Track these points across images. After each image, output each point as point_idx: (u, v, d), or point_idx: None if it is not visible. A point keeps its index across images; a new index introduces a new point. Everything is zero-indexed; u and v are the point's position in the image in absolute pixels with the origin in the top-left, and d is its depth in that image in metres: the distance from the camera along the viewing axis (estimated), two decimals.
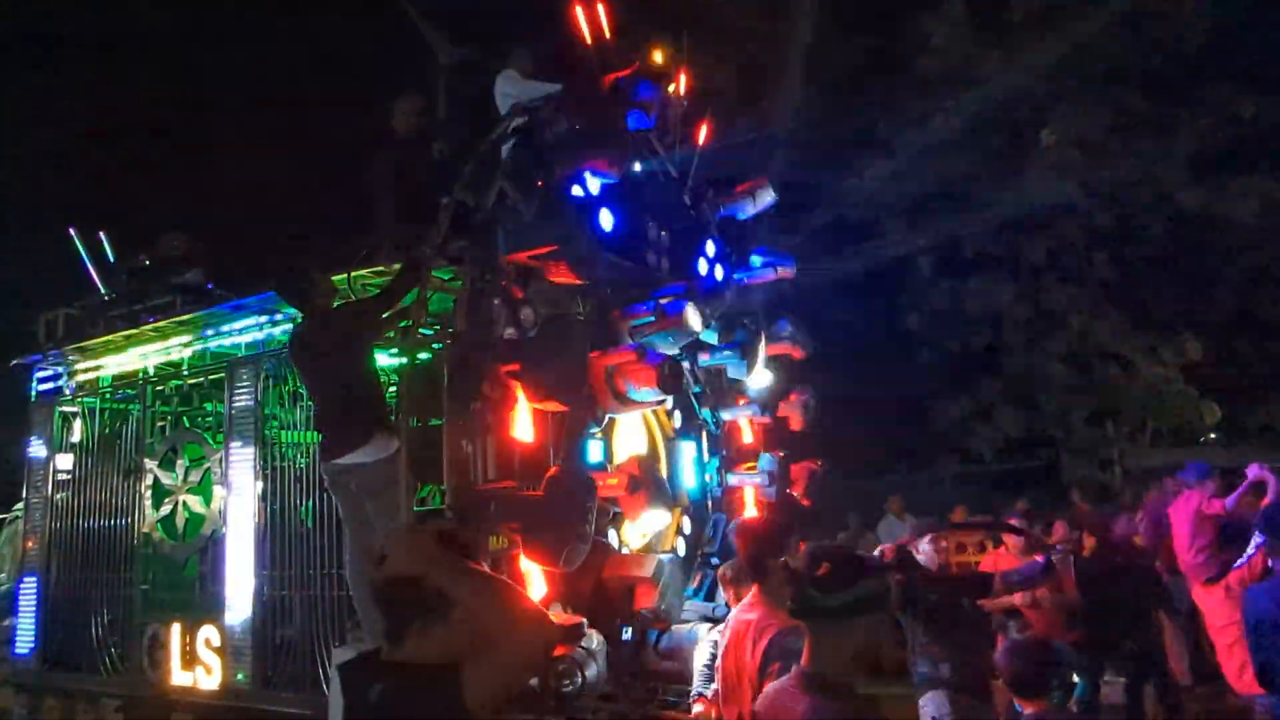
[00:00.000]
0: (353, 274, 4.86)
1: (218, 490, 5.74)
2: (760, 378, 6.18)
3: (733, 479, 6.25)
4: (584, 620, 4.15)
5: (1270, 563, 4.16)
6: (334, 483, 4.51)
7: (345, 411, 4.41)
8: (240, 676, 5.23)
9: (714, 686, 3.94)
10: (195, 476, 5.99)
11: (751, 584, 3.64)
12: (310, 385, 4.77)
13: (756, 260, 6.36)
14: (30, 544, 6.83)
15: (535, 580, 4.35)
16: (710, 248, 5.95)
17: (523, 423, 4.56)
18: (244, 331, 5.79)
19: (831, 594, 2.36)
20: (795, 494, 6.34)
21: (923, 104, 13.50)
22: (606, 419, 5.16)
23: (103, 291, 6.92)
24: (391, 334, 4.73)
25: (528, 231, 4.57)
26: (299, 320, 4.78)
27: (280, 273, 4.70)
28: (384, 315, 4.53)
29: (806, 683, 2.37)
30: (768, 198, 6.14)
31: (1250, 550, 5.81)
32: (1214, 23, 12.17)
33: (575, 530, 4.07)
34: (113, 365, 6.62)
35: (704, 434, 6.29)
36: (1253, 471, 6.46)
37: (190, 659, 5.53)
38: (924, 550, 5.36)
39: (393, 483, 4.32)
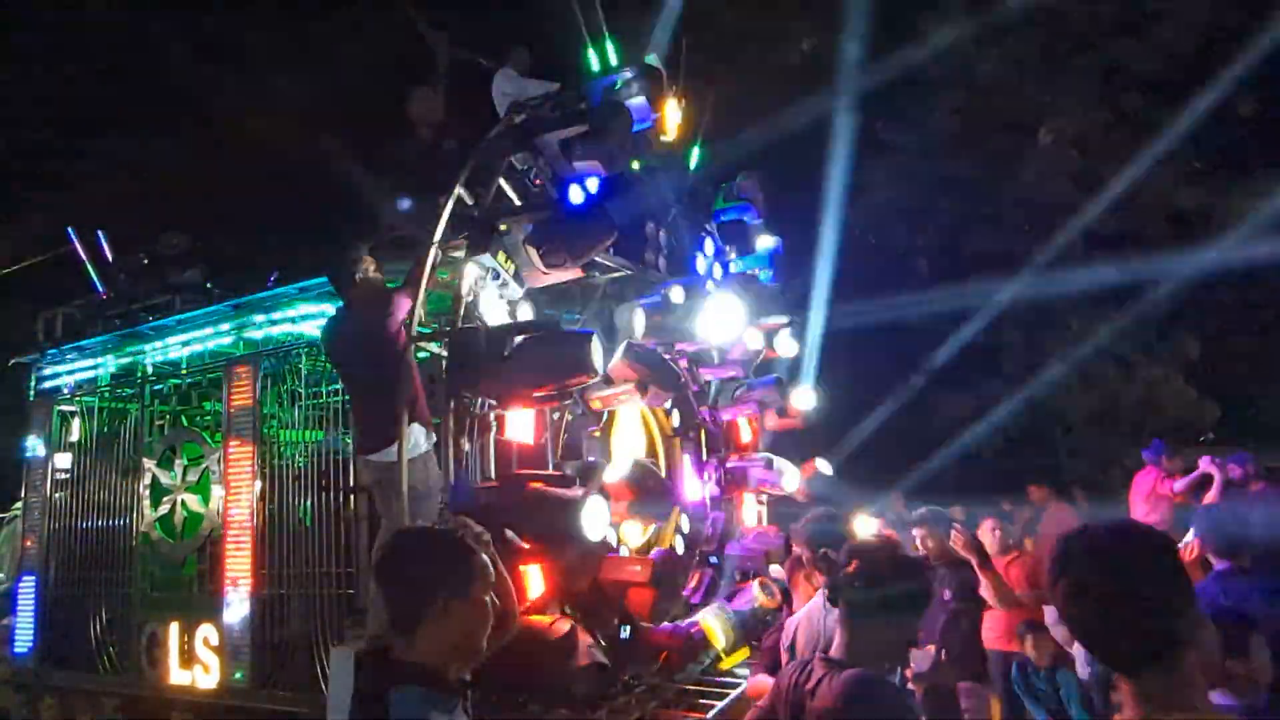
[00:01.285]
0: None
1: (216, 489, 5.74)
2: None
3: (733, 462, 6.27)
4: (571, 625, 4.09)
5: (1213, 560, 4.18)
6: (374, 478, 4.41)
7: (381, 405, 4.29)
8: (238, 675, 5.22)
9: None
10: (194, 475, 5.99)
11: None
12: (346, 378, 4.67)
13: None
14: (29, 543, 6.83)
15: (533, 578, 4.35)
16: (709, 246, 5.96)
17: (521, 421, 4.56)
18: (242, 330, 5.79)
19: (862, 589, 2.40)
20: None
21: (922, 104, 13.51)
22: (605, 416, 5.17)
23: (101, 290, 6.92)
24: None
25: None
26: (337, 311, 4.69)
27: (333, 261, 4.63)
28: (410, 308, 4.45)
29: (829, 665, 2.39)
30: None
31: (1187, 538, 5.92)
32: (1213, 21, 12.17)
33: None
34: (111, 364, 6.63)
35: (703, 432, 6.29)
36: (1203, 464, 6.59)
37: (188, 658, 5.53)
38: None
39: (428, 480, 4.26)
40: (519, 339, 4.29)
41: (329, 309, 5.25)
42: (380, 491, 4.44)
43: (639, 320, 4.82)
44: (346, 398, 4.93)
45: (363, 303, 4.47)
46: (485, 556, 2.06)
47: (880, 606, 2.38)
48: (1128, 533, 1.65)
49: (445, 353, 4.41)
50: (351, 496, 4.93)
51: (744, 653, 5.08)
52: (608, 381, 4.89)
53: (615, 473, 4.65)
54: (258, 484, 5.36)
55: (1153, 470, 6.97)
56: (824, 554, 3.28)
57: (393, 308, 4.36)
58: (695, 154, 5.92)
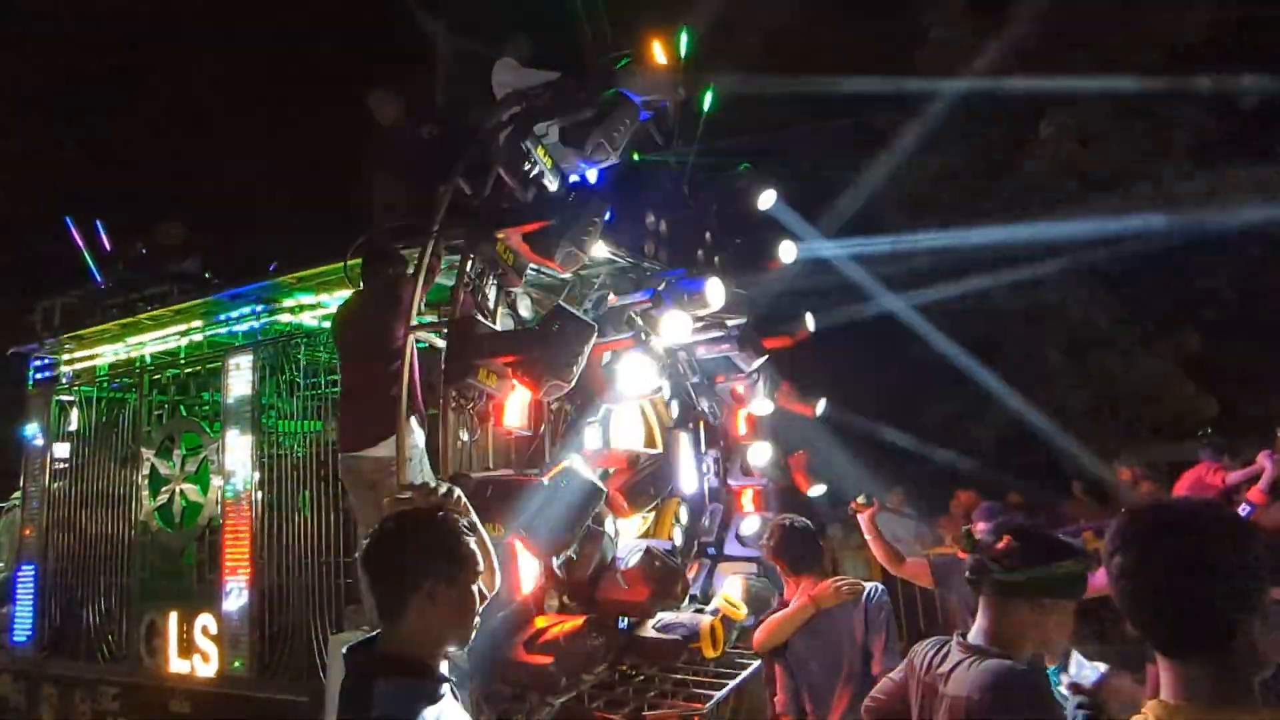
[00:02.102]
0: (349, 263, 4.84)
1: (215, 479, 5.75)
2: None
3: (733, 482, 6.29)
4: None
5: None
6: (370, 477, 4.32)
7: (379, 398, 4.20)
8: (237, 664, 5.24)
9: None
10: (192, 465, 6.00)
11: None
12: (348, 367, 4.59)
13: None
14: (28, 532, 6.84)
15: (532, 569, 4.35)
16: (708, 238, 5.94)
17: (519, 412, 4.55)
18: (241, 320, 5.79)
19: (1013, 570, 2.23)
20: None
21: (921, 97, 13.46)
22: (604, 411, 5.16)
23: (99, 280, 6.91)
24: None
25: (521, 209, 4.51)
26: (354, 295, 4.65)
27: (368, 244, 4.58)
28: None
29: (969, 651, 2.23)
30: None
31: None
32: (1214, 13, 12.13)
33: (575, 531, 4.06)
34: (110, 354, 6.63)
35: (701, 424, 6.29)
36: (1261, 458, 6.65)
37: (187, 647, 5.54)
38: None
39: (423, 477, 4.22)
40: (524, 329, 4.28)
41: (326, 299, 5.26)
42: (366, 493, 4.34)
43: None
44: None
45: (382, 290, 4.46)
46: (473, 542, 2.04)
47: (1036, 588, 2.20)
48: (1209, 509, 1.57)
49: (443, 344, 4.40)
50: None
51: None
52: None
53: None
54: (256, 474, 5.37)
55: (1208, 464, 7.05)
56: (967, 531, 3.20)
57: (405, 298, 4.35)
58: (708, 97, 5.78)
